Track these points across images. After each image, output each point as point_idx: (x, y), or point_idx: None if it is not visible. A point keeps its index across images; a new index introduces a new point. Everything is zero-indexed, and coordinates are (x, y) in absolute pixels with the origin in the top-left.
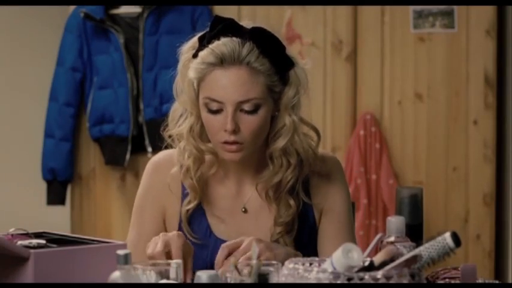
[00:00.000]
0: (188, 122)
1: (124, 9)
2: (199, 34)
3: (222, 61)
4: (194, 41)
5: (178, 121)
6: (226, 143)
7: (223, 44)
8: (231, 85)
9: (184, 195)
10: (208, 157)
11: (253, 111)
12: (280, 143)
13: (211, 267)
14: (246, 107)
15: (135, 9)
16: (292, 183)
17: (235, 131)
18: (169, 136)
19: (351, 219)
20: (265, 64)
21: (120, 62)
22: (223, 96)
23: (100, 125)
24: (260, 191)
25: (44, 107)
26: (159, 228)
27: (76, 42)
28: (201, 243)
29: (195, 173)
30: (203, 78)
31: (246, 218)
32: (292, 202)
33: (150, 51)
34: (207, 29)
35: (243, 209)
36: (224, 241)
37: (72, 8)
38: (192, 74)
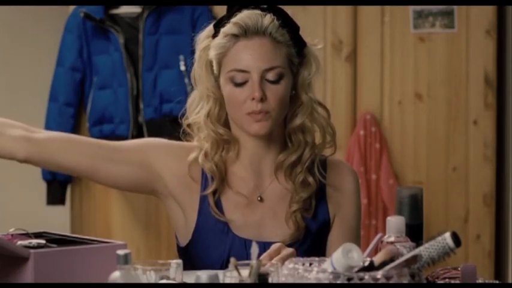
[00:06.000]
0: (206, 107)
1: (124, 9)
2: (214, 22)
3: (245, 32)
4: (210, 29)
5: (196, 110)
6: (253, 113)
7: (246, 16)
8: (256, 54)
9: (204, 181)
10: (227, 146)
11: (277, 80)
12: (298, 120)
13: (227, 264)
14: (270, 76)
15: (135, 9)
16: (310, 161)
17: (262, 99)
18: (188, 126)
19: (359, 228)
20: (284, 35)
21: (120, 62)
22: (249, 65)
23: (100, 125)
24: (278, 171)
25: (44, 107)
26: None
27: (76, 42)
28: (218, 238)
29: (213, 157)
30: (226, 52)
31: (261, 207)
32: (311, 179)
33: (150, 51)
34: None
35: (259, 198)
36: (241, 238)
37: (72, 8)
38: (213, 52)
